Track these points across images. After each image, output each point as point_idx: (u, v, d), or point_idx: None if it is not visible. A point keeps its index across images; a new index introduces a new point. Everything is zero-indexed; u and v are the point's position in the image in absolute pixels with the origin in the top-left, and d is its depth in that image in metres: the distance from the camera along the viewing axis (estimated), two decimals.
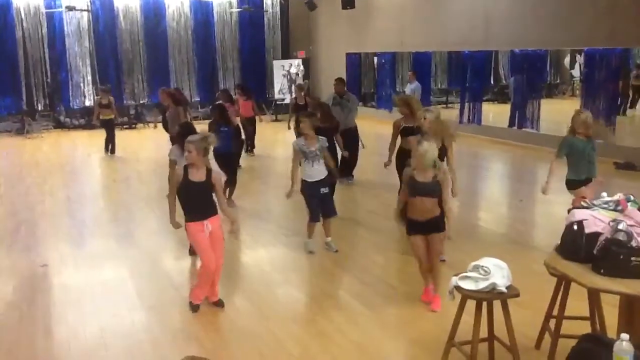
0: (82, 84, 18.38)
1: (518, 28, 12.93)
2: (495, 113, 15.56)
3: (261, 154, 12.78)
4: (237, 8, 19.78)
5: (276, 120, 18.54)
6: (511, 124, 13.76)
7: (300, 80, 19.56)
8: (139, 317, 5.31)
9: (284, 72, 19.59)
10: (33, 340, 4.87)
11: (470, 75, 14.80)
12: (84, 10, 17.75)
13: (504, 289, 3.85)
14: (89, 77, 18.44)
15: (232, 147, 8.72)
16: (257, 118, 12.57)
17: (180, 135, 5.97)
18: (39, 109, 17.86)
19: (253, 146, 12.80)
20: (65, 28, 17.86)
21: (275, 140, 14.93)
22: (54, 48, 17.79)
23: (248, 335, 4.88)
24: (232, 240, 7.11)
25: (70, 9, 17.14)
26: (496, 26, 13.49)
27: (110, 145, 13.19)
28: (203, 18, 19.54)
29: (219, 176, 5.42)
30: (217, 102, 10.66)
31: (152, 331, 4.99)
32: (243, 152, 11.62)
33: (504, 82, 18.06)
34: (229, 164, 8.38)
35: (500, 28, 13.39)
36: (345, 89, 10.26)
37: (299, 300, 5.69)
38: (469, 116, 14.83)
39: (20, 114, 17.34)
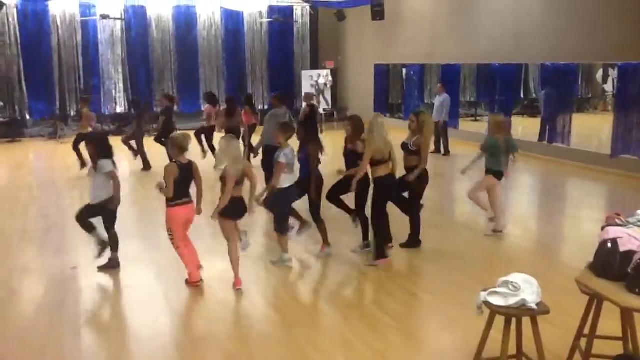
0: (113, 91, 18.73)
1: (549, 41, 12.79)
2: (525, 127, 15.39)
3: None
4: (267, 18, 19.98)
5: None
6: (541, 138, 13.60)
7: (328, 92, 19.64)
8: (165, 321, 5.35)
9: (312, 82, 19.67)
10: (62, 341, 4.94)
11: (499, 88, 14.68)
12: (118, 18, 18.11)
13: (534, 306, 3.78)
14: (121, 84, 18.79)
15: None
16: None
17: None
18: (71, 114, 18.21)
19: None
20: (99, 36, 18.25)
21: None
22: (87, 55, 18.18)
23: (271, 343, 4.88)
24: (257, 248, 7.18)
25: (104, 17, 17.50)
26: (527, 39, 13.37)
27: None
28: (233, 27, 19.79)
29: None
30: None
31: (177, 336, 5.03)
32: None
33: (534, 95, 17.87)
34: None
35: (531, 41, 13.27)
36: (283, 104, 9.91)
37: (322, 309, 5.68)
38: None
39: (53, 118, 17.72)
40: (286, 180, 6.44)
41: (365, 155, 6.36)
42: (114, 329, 5.20)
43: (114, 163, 6.46)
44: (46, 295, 5.94)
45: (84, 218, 6.39)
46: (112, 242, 6.51)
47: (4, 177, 12.37)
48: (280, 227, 6.55)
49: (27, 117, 17.91)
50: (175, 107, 12.07)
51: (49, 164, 13.80)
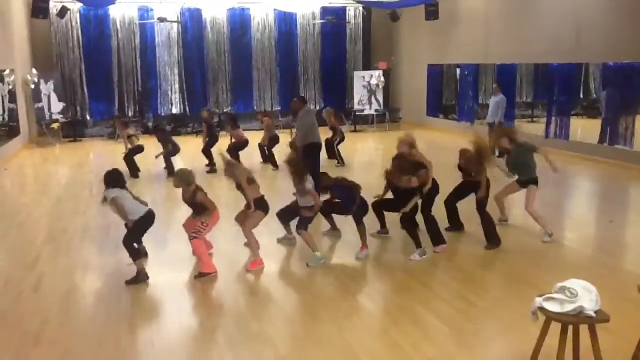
0: (169, 92, 19.23)
1: (611, 39, 12.33)
2: (584, 128, 14.88)
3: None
4: (320, 19, 20.06)
5: (355, 130, 18.61)
6: (602, 140, 13.13)
7: (380, 92, 19.51)
8: (217, 318, 5.46)
9: (364, 83, 19.63)
10: (119, 335, 5.10)
11: (557, 89, 14.27)
12: (174, 21, 18.58)
13: (592, 313, 3.66)
14: (177, 86, 19.27)
15: None
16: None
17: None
18: (130, 115, 18.79)
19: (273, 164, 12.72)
20: (156, 38, 18.79)
21: (355, 149, 15.23)
22: (145, 57, 18.76)
23: (322, 344, 4.89)
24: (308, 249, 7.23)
25: (161, 20, 17.98)
26: (587, 37, 12.94)
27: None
28: (286, 29, 19.97)
29: None
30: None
31: (230, 333, 5.11)
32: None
33: (594, 95, 17.24)
34: None
35: (591, 39, 12.83)
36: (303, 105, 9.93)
37: (373, 312, 5.66)
38: (555, 131, 14.29)
39: (112, 119, 18.33)
40: None
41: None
42: (168, 325, 5.33)
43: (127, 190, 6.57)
44: (104, 291, 6.15)
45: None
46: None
47: (67, 176, 12.88)
48: (305, 224, 6.82)
49: (88, 117, 18.64)
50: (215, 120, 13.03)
51: (108, 163, 14.23)
